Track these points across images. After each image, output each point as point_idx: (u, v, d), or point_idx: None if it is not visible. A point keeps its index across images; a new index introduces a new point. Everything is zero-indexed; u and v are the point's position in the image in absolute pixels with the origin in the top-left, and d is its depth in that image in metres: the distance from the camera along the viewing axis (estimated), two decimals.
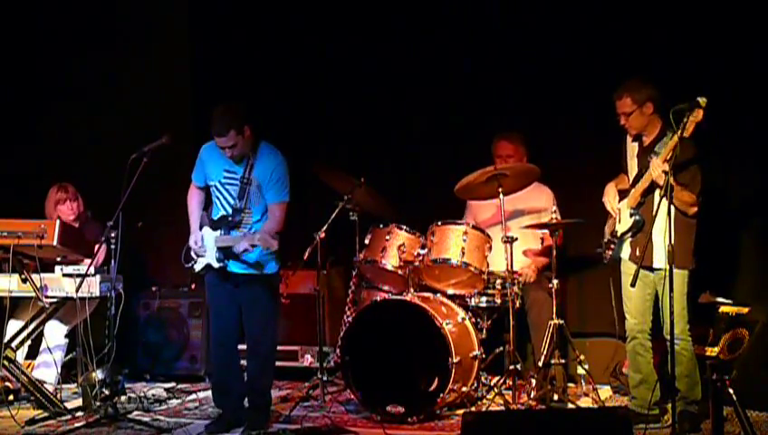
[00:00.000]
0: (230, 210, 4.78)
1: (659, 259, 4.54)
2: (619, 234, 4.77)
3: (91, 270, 5.09)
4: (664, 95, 4.59)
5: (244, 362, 5.07)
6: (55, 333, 5.73)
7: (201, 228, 4.86)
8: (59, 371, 5.71)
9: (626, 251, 4.78)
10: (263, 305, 4.84)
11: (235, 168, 4.78)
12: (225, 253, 4.74)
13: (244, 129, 4.65)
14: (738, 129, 5.40)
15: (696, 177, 4.50)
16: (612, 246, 4.83)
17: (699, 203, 4.52)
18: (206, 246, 4.79)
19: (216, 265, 4.76)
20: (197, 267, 4.87)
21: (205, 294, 6.31)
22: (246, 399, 4.90)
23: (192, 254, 4.85)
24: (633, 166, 4.79)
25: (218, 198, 4.83)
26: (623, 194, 4.79)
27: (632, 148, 4.81)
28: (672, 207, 4.12)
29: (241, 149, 4.70)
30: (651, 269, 4.62)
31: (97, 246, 5.24)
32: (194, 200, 4.95)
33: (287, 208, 4.78)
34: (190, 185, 4.99)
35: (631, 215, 4.65)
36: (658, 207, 4.33)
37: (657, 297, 4.69)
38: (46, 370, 5.70)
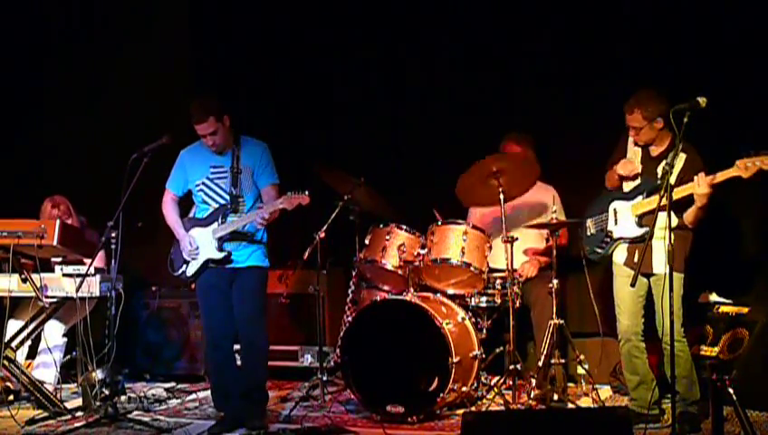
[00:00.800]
0: (223, 201, 4.82)
1: (659, 265, 4.52)
2: (615, 235, 4.76)
3: (91, 270, 5.09)
4: (664, 94, 4.60)
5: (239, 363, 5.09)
6: (53, 332, 5.73)
7: (187, 232, 4.89)
8: (58, 370, 5.71)
9: (620, 255, 4.75)
10: (257, 299, 4.89)
11: (221, 161, 4.84)
12: (225, 242, 4.78)
13: (222, 117, 4.75)
14: (738, 128, 5.40)
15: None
16: (603, 244, 4.81)
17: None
18: (199, 245, 4.81)
19: (218, 255, 4.78)
20: (190, 271, 4.89)
21: None
22: (240, 394, 4.88)
23: (185, 255, 4.86)
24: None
25: (207, 195, 4.86)
26: (620, 197, 4.76)
27: (635, 151, 4.77)
28: (672, 214, 4.12)
29: (223, 138, 4.77)
30: (650, 275, 4.61)
31: (96, 252, 5.24)
32: (172, 211, 5.00)
33: (279, 190, 4.85)
34: (164, 196, 5.02)
35: (641, 225, 4.62)
36: (669, 205, 4.28)
37: (650, 300, 4.69)
38: (45, 370, 5.70)
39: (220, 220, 4.80)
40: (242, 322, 4.88)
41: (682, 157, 4.44)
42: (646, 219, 4.60)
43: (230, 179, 4.82)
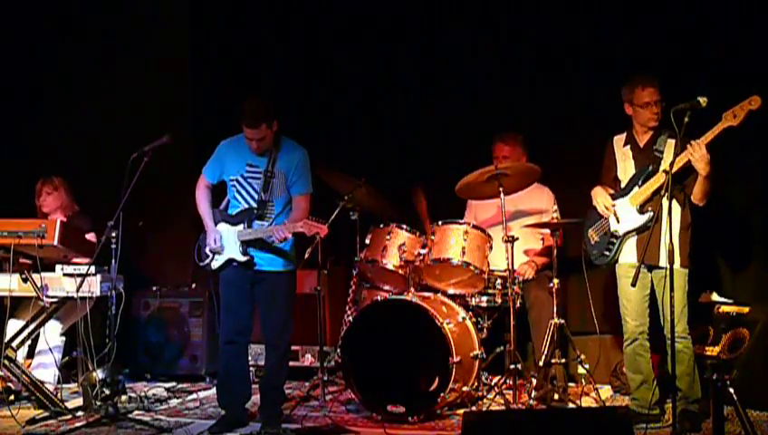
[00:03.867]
0: (254, 203, 4.79)
1: (665, 258, 4.51)
2: (620, 232, 4.75)
3: (92, 269, 5.08)
4: (665, 94, 4.61)
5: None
6: (51, 332, 5.72)
7: (216, 225, 4.86)
8: (57, 370, 5.71)
9: (629, 253, 4.73)
10: (283, 302, 4.86)
11: (257, 161, 4.81)
12: (249, 246, 4.76)
13: (273, 123, 4.72)
14: (738, 127, 5.40)
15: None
16: (610, 246, 4.81)
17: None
18: (224, 243, 4.79)
19: (242, 258, 4.76)
20: (216, 264, 4.86)
21: (205, 294, 6.38)
22: (260, 394, 4.91)
23: (208, 249, 4.84)
24: (628, 167, 4.79)
25: (239, 193, 4.83)
26: (613, 196, 4.78)
27: (623, 152, 4.81)
28: (675, 207, 4.13)
29: (268, 143, 4.76)
30: (655, 268, 4.60)
31: (88, 237, 5.24)
32: (205, 198, 4.95)
33: (310, 200, 4.85)
34: (199, 180, 4.98)
35: (643, 212, 4.64)
36: (670, 204, 4.30)
37: (655, 297, 4.69)
38: (44, 370, 5.69)
39: (246, 224, 4.76)
40: (268, 325, 4.89)
41: (670, 142, 4.45)
42: (648, 206, 4.62)
43: (262, 182, 4.78)
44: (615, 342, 5.70)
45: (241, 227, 4.77)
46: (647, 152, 4.68)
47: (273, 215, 4.80)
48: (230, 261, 4.81)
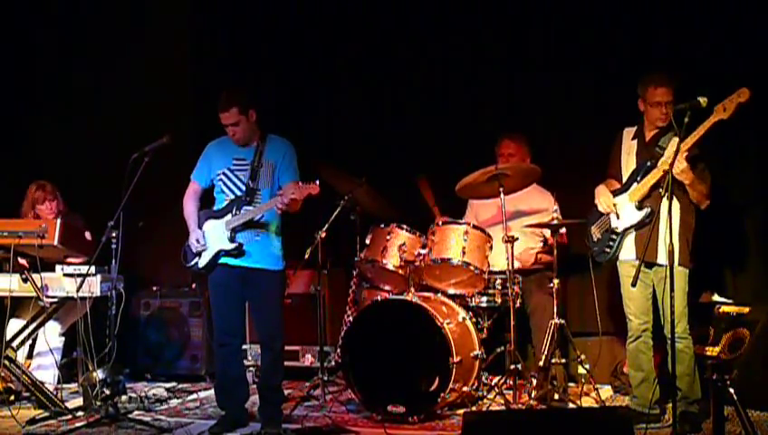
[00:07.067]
0: (240, 193, 4.79)
1: (664, 256, 4.51)
2: (620, 229, 4.75)
3: (92, 269, 5.08)
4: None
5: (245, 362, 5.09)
6: (51, 333, 5.72)
7: (201, 227, 4.86)
8: (56, 371, 5.71)
9: (628, 250, 4.74)
10: (273, 302, 4.86)
11: (244, 154, 4.82)
12: (238, 231, 4.74)
13: (248, 111, 4.72)
14: (739, 128, 5.39)
15: (706, 170, 4.52)
16: (611, 242, 4.82)
17: (710, 196, 4.53)
18: (209, 238, 4.79)
19: (229, 246, 4.74)
20: (202, 263, 4.85)
21: (205, 294, 6.35)
22: (259, 395, 4.90)
23: (194, 249, 4.85)
24: (630, 162, 4.79)
25: (226, 185, 4.83)
26: (615, 193, 4.79)
27: (630, 145, 4.81)
28: (675, 206, 4.12)
29: (245, 131, 4.75)
30: (653, 265, 4.60)
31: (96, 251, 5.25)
32: (192, 202, 4.96)
33: None
34: (189, 187, 4.98)
35: (641, 208, 4.64)
36: (670, 204, 4.30)
37: (656, 296, 4.69)
38: (43, 371, 5.70)
39: (234, 211, 4.76)
40: (261, 326, 4.90)
41: (675, 140, 4.45)
42: (646, 202, 4.62)
43: (249, 173, 4.79)
44: (615, 342, 5.69)
45: (229, 216, 4.77)
46: (649, 148, 4.68)
47: (260, 203, 4.78)
48: (217, 257, 4.79)
